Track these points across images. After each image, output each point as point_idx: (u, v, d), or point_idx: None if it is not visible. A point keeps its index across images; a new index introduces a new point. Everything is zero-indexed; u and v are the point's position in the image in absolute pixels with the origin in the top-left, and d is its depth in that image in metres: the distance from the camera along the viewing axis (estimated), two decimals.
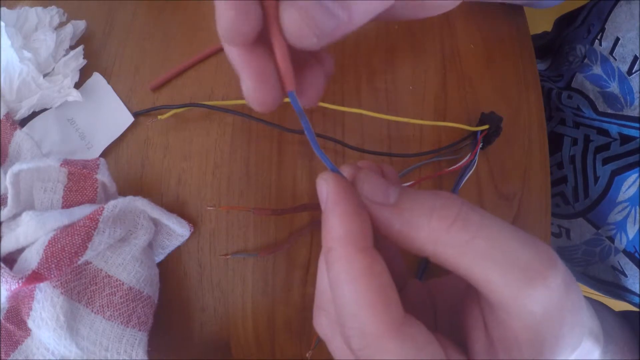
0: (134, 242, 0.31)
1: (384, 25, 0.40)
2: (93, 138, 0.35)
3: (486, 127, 0.35)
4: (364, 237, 0.17)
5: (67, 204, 0.31)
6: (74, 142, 0.35)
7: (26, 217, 0.29)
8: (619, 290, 0.46)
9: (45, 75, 0.35)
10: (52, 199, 0.31)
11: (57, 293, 0.28)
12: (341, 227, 0.17)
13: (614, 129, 0.41)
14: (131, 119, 0.36)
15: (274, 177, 0.35)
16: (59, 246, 0.27)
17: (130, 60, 0.38)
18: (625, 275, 0.43)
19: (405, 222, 0.17)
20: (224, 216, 0.34)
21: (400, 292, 0.17)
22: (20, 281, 0.26)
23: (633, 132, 0.39)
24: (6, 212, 0.30)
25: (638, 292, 0.42)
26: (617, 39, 0.39)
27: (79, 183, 0.31)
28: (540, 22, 0.70)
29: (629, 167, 0.40)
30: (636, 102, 0.38)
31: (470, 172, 0.36)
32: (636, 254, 0.40)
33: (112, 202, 0.30)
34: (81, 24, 0.38)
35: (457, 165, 0.36)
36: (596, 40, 0.42)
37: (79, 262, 0.28)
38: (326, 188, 0.18)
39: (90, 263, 0.30)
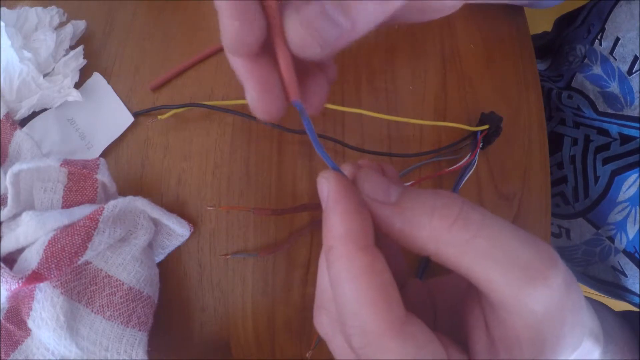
0: (134, 242, 0.31)
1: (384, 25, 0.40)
2: (93, 138, 0.35)
3: (486, 127, 0.35)
4: (365, 236, 0.17)
5: (67, 204, 0.31)
6: (74, 142, 0.35)
7: (26, 217, 0.28)
8: (619, 290, 0.46)
9: (45, 75, 0.35)
10: (52, 199, 0.31)
11: (57, 293, 0.28)
12: (342, 225, 0.17)
13: (614, 129, 0.41)
14: (131, 119, 0.36)
15: (274, 177, 0.35)
16: (59, 246, 0.27)
17: (130, 60, 0.38)
18: (625, 275, 0.43)
19: (406, 221, 0.17)
20: (224, 216, 0.34)
21: (400, 291, 0.17)
22: (20, 281, 0.26)
23: (633, 132, 0.39)
24: (6, 212, 0.30)
25: (638, 292, 0.42)
26: (617, 39, 0.39)
27: (79, 183, 0.31)
28: (540, 22, 0.70)
29: (629, 167, 0.40)
30: (636, 102, 0.38)
31: (470, 172, 0.36)
32: (636, 254, 0.40)
33: (112, 202, 0.30)
34: (81, 24, 0.38)
35: (457, 165, 0.36)
36: (596, 40, 0.42)
37: (79, 262, 0.28)
38: (327, 186, 0.18)
39: (90, 263, 0.30)
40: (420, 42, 0.40)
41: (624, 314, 0.43)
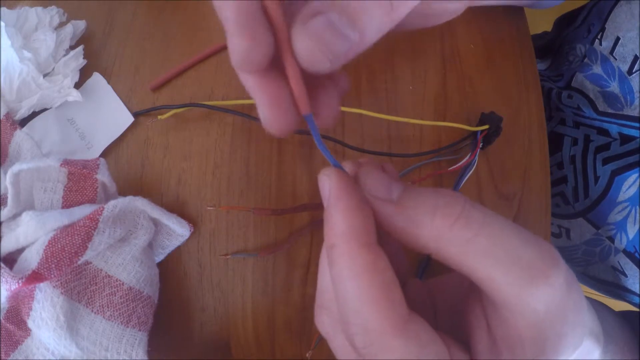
0: (134, 242, 0.31)
1: None
2: (93, 138, 0.35)
3: (486, 127, 0.35)
4: (367, 233, 0.17)
5: (67, 204, 0.31)
6: (74, 142, 0.35)
7: (26, 217, 0.28)
8: (619, 290, 0.46)
9: (45, 75, 0.35)
10: (52, 199, 0.31)
11: (57, 293, 0.27)
12: (344, 222, 0.17)
13: (614, 129, 0.41)
14: (131, 119, 0.35)
15: (274, 177, 0.35)
16: (59, 246, 0.27)
17: (130, 60, 0.38)
18: (625, 275, 0.43)
19: (408, 219, 0.17)
20: (224, 216, 0.34)
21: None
22: (20, 281, 0.26)
23: (633, 132, 0.39)
24: (6, 212, 0.30)
25: (638, 292, 0.42)
26: (618, 39, 0.40)
27: (79, 183, 0.31)
28: (540, 22, 0.70)
29: (629, 167, 0.40)
30: (636, 102, 0.38)
31: (470, 172, 0.36)
32: (636, 254, 0.40)
33: (112, 202, 0.30)
34: (81, 24, 0.37)
35: (457, 165, 0.36)
36: (596, 40, 0.42)
37: (79, 262, 0.28)
38: (329, 183, 0.17)
39: (90, 263, 0.29)
40: (420, 42, 0.40)
41: (624, 314, 0.43)
